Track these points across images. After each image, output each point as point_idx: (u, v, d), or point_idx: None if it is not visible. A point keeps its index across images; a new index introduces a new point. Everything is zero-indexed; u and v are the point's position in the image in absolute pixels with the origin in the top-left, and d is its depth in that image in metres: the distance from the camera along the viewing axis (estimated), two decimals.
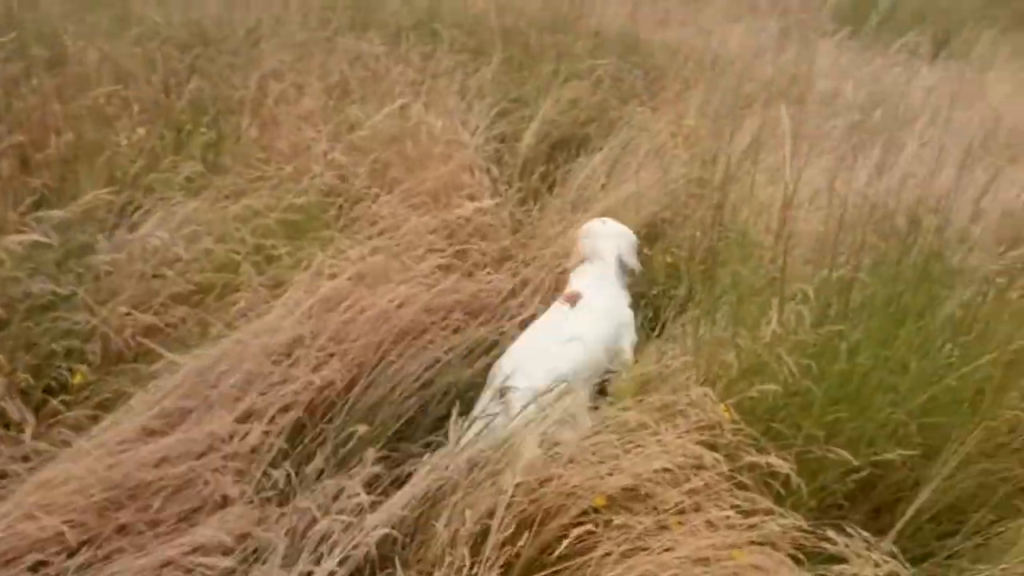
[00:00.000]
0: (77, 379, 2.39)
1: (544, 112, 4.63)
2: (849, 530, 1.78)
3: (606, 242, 2.95)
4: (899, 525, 1.86)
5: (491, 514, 1.98)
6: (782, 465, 1.86)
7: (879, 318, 2.18)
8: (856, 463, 1.90)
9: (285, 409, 2.33)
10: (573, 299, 2.70)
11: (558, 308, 2.70)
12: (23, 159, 3.40)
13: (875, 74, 5.92)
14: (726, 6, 7.30)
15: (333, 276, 2.78)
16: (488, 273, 3.00)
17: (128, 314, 2.48)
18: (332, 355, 2.48)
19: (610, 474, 1.97)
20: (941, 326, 2.11)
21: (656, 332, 2.74)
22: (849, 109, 4.97)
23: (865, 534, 1.77)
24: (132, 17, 4.94)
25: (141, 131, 3.48)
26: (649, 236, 3.75)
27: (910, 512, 1.85)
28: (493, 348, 2.87)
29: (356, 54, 4.90)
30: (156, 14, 4.93)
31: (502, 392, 2.37)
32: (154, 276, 2.74)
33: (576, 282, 2.82)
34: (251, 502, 2.14)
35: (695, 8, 7.09)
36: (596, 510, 1.97)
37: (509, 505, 1.91)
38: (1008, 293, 2.15)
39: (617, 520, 1.85)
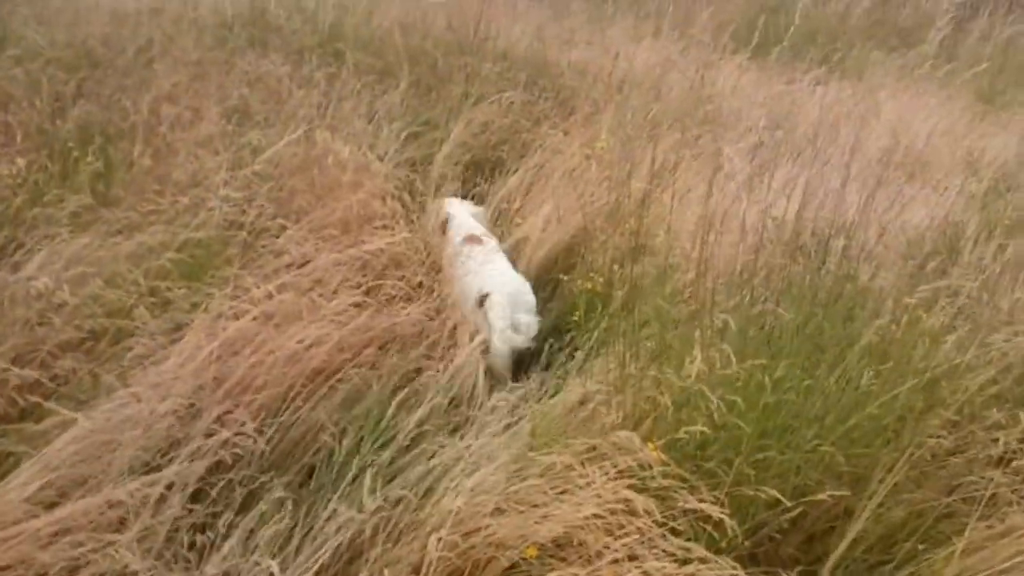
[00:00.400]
0: None
1: (455, 135, 4.57)
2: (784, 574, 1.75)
3: (461, 208, 3.72)
4: (832, 559, 1.85)
5: (416, 570, 1.87)
6: (715, 511, 1.82)
7: (799, 345, 2.18)
8: (788, 503, 1.88)
9: (189, 463, 2.16)
10: (477, 240, 3.39)
11: (475, 247, 3.33)
12: None
13: (774, 95, 6.09)
14: (630, 26, 7.41)
15: (237, 317, 2.61)
16: (403, 307, 2.88)
17: (7, 368, 2.25)
18: (237, 405, 2.32)
19: (539, 522, 1.89)
20: (860, 354, 2.12)
21: (576, 363, 2.67)
22: (752, 129, 5.08)
23: None
24: (11, 37, 4.63)
25: (21, 161, 3.21)
26: (566, 261, 3.71)
27: (843, 546, 1.84)
28: (413, 379, 2.76)
29: (257, 75, 4.72)
30: (38, 34, 4.62)
31: (481, 301, 2.98)
32: (39, 323, 2.51)
33: (460, 232, 3.45)
34: (154, 569, 1.96)
35: (599, 28, 7.16)
36: (528, 560, 1.88)
37: (435, 561, 1.81)
38: (922, 320, 2.18)
39: (551, 574, 1.77)
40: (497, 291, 2.95)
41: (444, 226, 3.55)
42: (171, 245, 2.88)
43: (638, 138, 4.49)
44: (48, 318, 2.50)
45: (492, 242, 3.45)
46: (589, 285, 3.35)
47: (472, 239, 3.38)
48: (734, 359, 1.98)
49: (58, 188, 3.25)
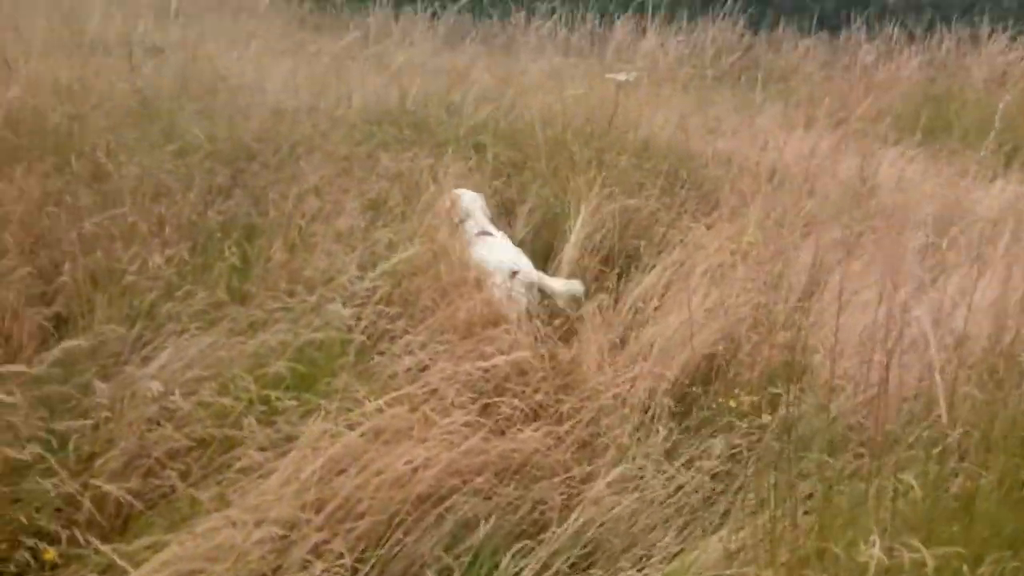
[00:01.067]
0: (48, 556, 2.08)
1: (588, 227, 4.38)
2: None
3: (473, 203, 4.24)
4: None
5: None
6: None
7: (1004, 512, 1.75)
8: None
9: None
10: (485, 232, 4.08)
11: (487, 235, 4.08)
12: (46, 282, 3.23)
13: (945, 187, 5.54)
14: (779, 114, 7.07)
15: (349, 428, 2.45)
16: (519, 429, 2.63)
17: (105, 483, 2.16)
18: (336, 535, 2.13)
19: None
20: None
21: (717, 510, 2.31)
22: (922, 227, 4.59)
23: None
24: (176, 132, 4.87)
25: (158, 257, 3.25)
26: (706, 374, 3.36)
27: None
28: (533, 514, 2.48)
29: (398, 169, 4.75)
30: (200, 128, 4.84)
31: (513, 273, 3.72)
32: (150, 429, 2.44)
33: (474, 224, 4.12)
34: None
35: (747, 116, 6.86)
36: None
37: None
38: None
39: None
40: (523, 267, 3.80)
41: (459, 220, 4.11)
42: (290, 346, 2.80)
43: (791, 235, 4.14)
44: (159, 424, 2.43)
45: (499, 233, 4.14)
46: (733, 404, 3.00)
47: (484, 234, 4.04)
48: (923, 549, 1.57)
49: (193, 283, 3.26)
